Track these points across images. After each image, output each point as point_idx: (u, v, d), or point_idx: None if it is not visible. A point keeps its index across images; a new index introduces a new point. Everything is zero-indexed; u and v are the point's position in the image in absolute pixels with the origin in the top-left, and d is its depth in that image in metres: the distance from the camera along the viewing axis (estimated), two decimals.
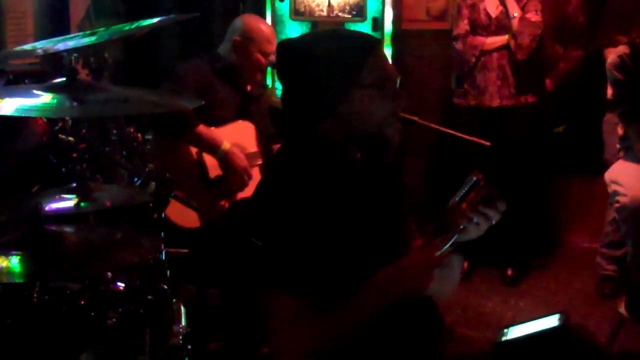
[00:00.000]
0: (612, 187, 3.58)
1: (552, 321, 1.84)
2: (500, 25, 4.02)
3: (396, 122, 1.82)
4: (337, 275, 1.69)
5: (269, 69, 4.11)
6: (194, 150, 3.24)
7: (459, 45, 4.12)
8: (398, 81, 1.85)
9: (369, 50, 1.79)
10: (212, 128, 3.26)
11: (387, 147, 1.83)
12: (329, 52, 1.79)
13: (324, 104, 1.77)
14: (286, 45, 1.87)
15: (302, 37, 1.94)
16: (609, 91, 3.63)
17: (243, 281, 1.94)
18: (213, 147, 3.21)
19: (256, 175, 3.36)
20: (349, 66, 1.76)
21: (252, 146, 3.41)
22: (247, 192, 3.32)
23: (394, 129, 1.81)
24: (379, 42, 1.88)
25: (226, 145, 3.22)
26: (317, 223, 1.70)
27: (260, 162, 3.40)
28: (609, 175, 3.66)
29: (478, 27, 4.08)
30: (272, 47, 3.32)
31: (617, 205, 3.57)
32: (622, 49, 3.59)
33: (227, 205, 3.30)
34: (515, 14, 3.95)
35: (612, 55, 3.64)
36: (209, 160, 3.25)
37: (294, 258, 1.67)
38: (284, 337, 1.66)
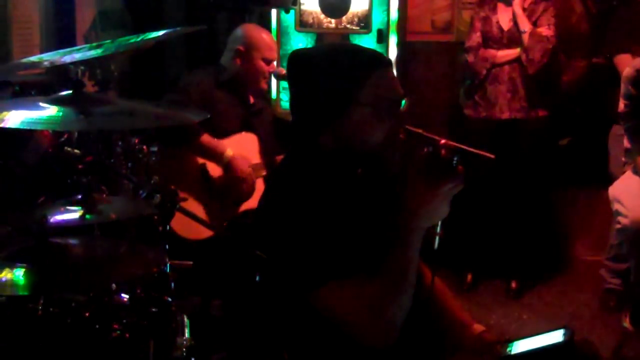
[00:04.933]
0: (615, 206, 3.57)
1: (556, 336, 1.83)
2: (513, 38, 4.03)
3: (394, 143, 1.82)
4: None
5: (272, 80, 4.13)
6: (198, 160, 3.25)
7: (470, 58, 4.12)
8: (403, 102, 1.85)
9: (373, 69, 1.79)
10: (216, 139, 3.27)
11: (385, 165, 1.84)
12: (334, 65, 1.81)
13: (324, 115, 1.79)
14: (297, 54, 1.90)
15: (313, 48, 1.98)
16: (621, 104, 3.60)
17: (253, 293, 1.95)
18: (217, 155, 3.23)
19: (260, 186, 3.37)
20: (351, 82, 1.77)
21: (255, 158, 3.42)
22: (252, 203, 3.33)
23: (392, 149, 1.82)
24: (388, 63, 1.84)
25: (229, 152, 3.24)
26: (323, 228, 1.70)
27: (263, 173, 3.41)
28: (612, 191, 3.64)
29: (490, 40, 4.08)
30: (274, 54, 3.35)
31: (618, 226, 3.56)
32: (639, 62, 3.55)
33: (231, 215, 3.31)
34: (525, 29, 3.95)
35: (627, 68, 3.60)
36: (213, 171, 3.26)
37: (321, 252, 1.67)
38: (363, 313, 1.65)
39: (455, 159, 1.65)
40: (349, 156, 1.82)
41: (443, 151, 1.64)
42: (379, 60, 1.84)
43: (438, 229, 1.70)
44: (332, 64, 1.82)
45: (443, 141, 1.66)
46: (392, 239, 1.66)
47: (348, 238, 1.71)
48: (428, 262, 1.78)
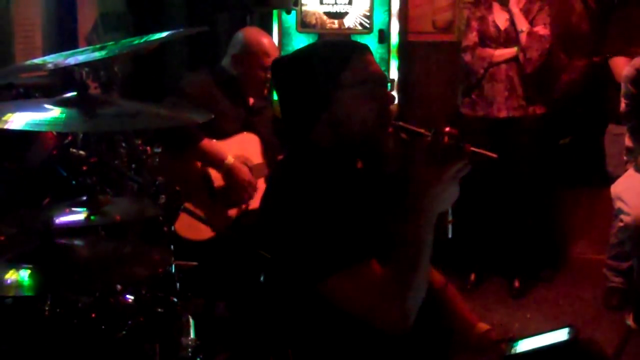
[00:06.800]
0: (617, 204, 3.58)
1: (561, 335, 1.84)
2: (509, 37, 4.04)
3: (386, 124, 1.84)
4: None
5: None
6: (198, 162, 3.25)
7: (467, 57, 4.14)
8: (388, 84, 1.87)
9: (349, 53, 1.84)
10: (217, 141, 3.27)
11: (381, 152, 1.85)
12: (311, 59, 1.87)
13: (312, 109, 1.82)
14: (277, 61, 1.96)
15: (292, 52, 2.01)
16: (622, 103, 3.61)
17: (257, 293, 1.96)
18: (217, 162, 3.22)
19: (262, 186, 3.37)
20: (329, 70, 1.81)
21: (257, 158, 3.42)
22: (255, 203, 3.33)
23: (384, 131, 1.83)
24: (362, 46, 1.89)
25: (230, 159, 3.23)
26: (329, 219, 1.70)
27: (266, 173, 3.41)
28: (614, 189, 3.65)
29: (487, 39, 4.10)
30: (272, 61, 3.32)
31: (620, 224, 3.57)
32: (639, 61, 3.55)
33: (234, 216, 3.31)
34: (523, 29, 3.96)
35: (627, 67, 3.61)
36: (214, 172, 3.26)
37: (329, 242, 1.68)
38: (378, 298, 1.65)
39: (460, 143, 1.66)
40: (346, 147, 1.84)
41: (446, 138, 1.65)
42: (354, 45, 1.91)
43: (450, 217, 1.70)
44: (310, 59, 1.87)
45: (447, 128, 1.67)
46: (404, 224, 1.66)
47: (355, 228, 1.71)
48: (442, 251, 1.78)
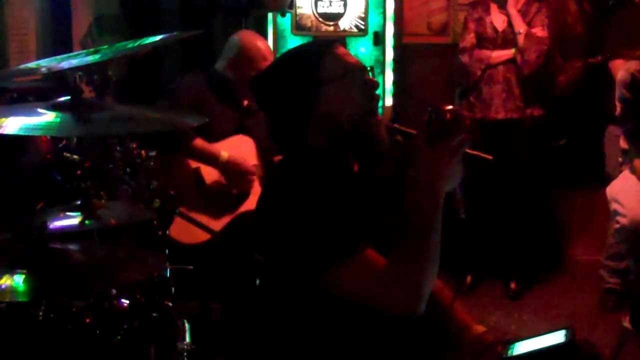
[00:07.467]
0: (613, 206, 3.58)
1: (558, 337, 1.83)
2: (507, 39, 4.05)
3: (375, 109, 1.86)
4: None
5: None
6: (191, 165, 3.24)
7: (465, 59, 4.14)
8: (370, 73, 1.88)
9: (322, 50, 1.86)
10: (210, 143, 3.26)
11: (375, 141, 1.84)
12: (288, 66, 1.89)
13: (298, 113, 1.83)
14: (256, 78, 2.02)
15: (267, 66, 2.03)
16: (617, 108, 3.62)
17: (253, 297, 1.95)
18: (212, 159, 3.22)
19: (258, 188, 3.36)
20: (308, 70, 1.83)
21: (252, 160, 3.41)
22: (249, 205, 3.32)
23: (374, 117, 1.85)
24: (335, 42, 1.93)
25: (224, 154, 3.23)
26: (327, 215, 1.71)
27: (261, 175, 3.40)
28: (610, 191, 3.65)
29: (484, 41, 4.10)
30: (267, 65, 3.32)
31: (616, 225, 3.57)
32: (634, 65, 3.55)
33: (229, 219, 3.30)
34: (521, 31, 3.97)
35: (621, 71, 3.61)
36: (207, 175, 3.25)
37: (329, 236, 1.68)
38: (385, 286, 1.64)
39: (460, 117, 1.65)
40: (340, 144, 1.84)
41: (448, 115, 1.64)
42: (325, 42, 1.94)
43: (459, 196, 1.69)
44: (287, 66, 1.90)
45: (449, 107, 1.67)
46: (411, 206, 1.65)
47: (352, 225, 1.71)
48: (457, 231, 1.76)
